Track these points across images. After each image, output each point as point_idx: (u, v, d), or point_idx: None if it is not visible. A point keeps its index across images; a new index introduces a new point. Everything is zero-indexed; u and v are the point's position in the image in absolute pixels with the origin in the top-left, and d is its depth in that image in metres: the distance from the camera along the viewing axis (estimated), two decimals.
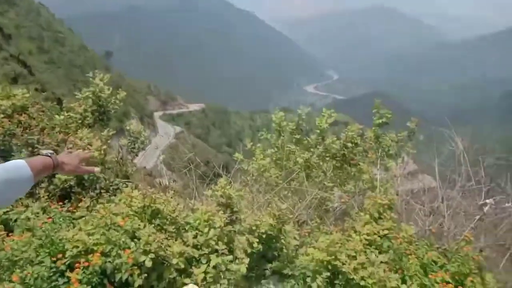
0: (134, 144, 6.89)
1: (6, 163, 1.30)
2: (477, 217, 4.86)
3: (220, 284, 4.06)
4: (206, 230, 4.32)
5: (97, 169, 1.78)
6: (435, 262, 4.21)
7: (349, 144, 6.12)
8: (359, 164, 6.11)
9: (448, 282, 3.94)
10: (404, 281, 4.02)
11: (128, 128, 7.19)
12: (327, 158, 6.34)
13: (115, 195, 5.24)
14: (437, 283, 3.96)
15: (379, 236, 4.48)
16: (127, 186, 5.35)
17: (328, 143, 6.17)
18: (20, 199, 4.86)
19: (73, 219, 4.17)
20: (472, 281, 3.92)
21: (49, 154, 1.47)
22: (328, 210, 5.78)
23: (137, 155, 7.03)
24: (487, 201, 4.89)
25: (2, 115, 5.91)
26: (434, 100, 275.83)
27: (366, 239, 4.42)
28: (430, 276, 4.03)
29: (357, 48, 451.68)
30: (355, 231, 4.59)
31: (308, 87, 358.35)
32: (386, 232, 4.50)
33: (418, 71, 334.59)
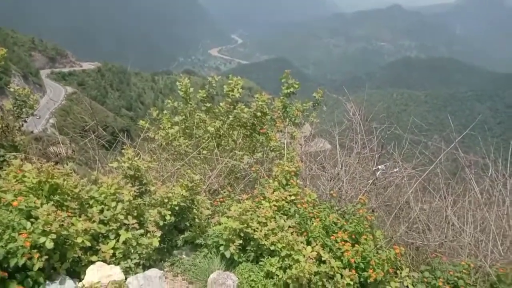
0: (21, 109, 6.05)
1: None
2: (370, 181, 5.45)
3: (131, 259, 3.92)
4: (113, 204, 4.08)
5: None
6: (335, 224, 4.63)
7: (259, 114, 6.23)
8: (267, 133, 6.30)
9: (346, 241, 4.39)
10: (309, 243, 4.35)
11: (12, 90, 6.25)
12: (237, 127, 6.39)
13: (1, 168, 4.60)
14: (337, 242, 4.38)
15: (286, 202, 4.74)
16: (16, 158, 4.71)
17: (238, 112, 6.19)
18: None
19: None
20: (365, 239, 4.42)
21: None
22: (238, 178, 5.90)
23: (26, 122, 6.21)
24: (379, 167, 5.50)
25: None
26: (328, 66, 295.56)
27: (275, 205, 4.64)
28: (331, 237, 4.43)
29: (258, 14, 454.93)
30: (265, 198, 4.78)
31: (212, 51, 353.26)
32: (293, 198, 4.78)
33: (313, 39, 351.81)
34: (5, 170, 4.15)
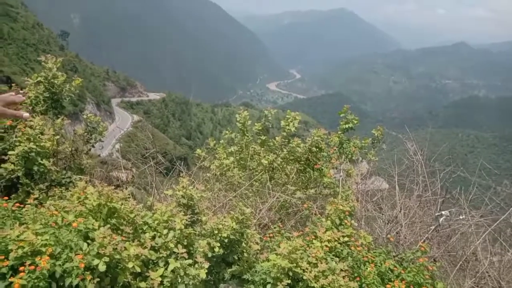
0: (91, 135, 6.50)
1: None
2: (433, 227, 5.04)
3: None
4: (165, 232, 4.13)
5: (26, 114, 1.52)
6: (392, 271, 4.30)
7: (314, 149, 6.12)
8: (322, 169, 6.14)
9: None
10: None
11: (85, 116, 6.76)
12: (291, 161, 6.32)
13: (67, 189, 4.90)
14: None
15: (339, 243, 4.51)
16: (81, 180, 5.01)
17: (293, 146, 6.14)
18: None
19: (19, 215, 3.82)
20: None
21: None
22: (290, 214, 5.76)
23: (93, 147, 6.64)
24: (443, 212, 5.08)
25: None
26: (387, 103, 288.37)
27: (327, 246, 4.43)
28: (387, 285, 4.11)
29: (316, 49, 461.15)
30: (316, 237, 4.60)
31: (271, 85, 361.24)
32: (346, 239, 4.55)
33: (372, 74, 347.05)
34: (71, 191, 4.42)
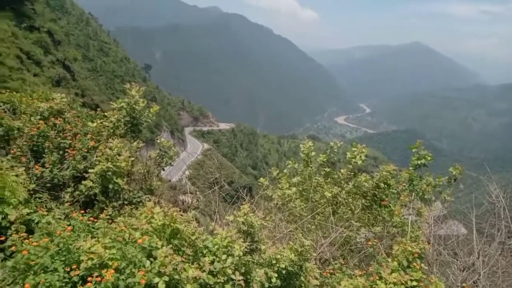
0: (163, 158, 6.87)
1: None
2: None
3: None
4: (224, 257, 4.15)
5: None
6: None
7: (382, 185, 5.83)
8: (389, 206, 5.80)
9: None
10: None
11: (158, 141, 7.20)
12: (357, 196, 6.06)
13: (137, 208, 5.17)
14: None
15: (406, 287, 4.16)
16: (150, 200, 5.28)
17: (359, 181, 5.90)
18: (45, 201, 4.89)
19: (93, 229, 4.11)
20: None
21: None
22: (353, 251, 5.48)
23: (163, 170, 7.00)
24: None
25: (38, 117, 6.05)
26: (465, 141, 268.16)
27: None
28: None
29: (387, 83, 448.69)
30: (381, 278, 4.29)
31: (339, 118, 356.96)
32: (414, 283, 4.18)
33: (448, 110, 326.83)
34: (140, 210, 4.66)
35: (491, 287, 4.43)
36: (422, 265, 4.46)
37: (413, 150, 6.36)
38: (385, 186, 5.86)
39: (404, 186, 6.15)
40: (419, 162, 6.23)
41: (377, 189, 5.88)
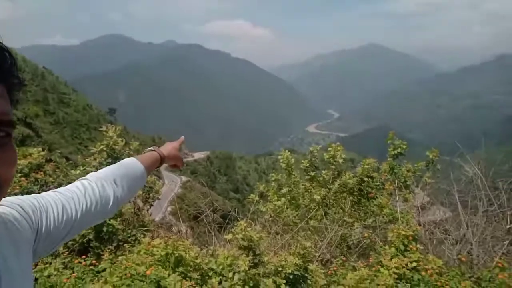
0: (149, 194, 6.90)
1: (122, 161, 1.32)
2: (506, 242, 4.73)
3: None
4: (230, 275, 4.22)
5: (182, 137, 1.85)
6: None
7: (366, 178, 6.07)
8: (377, 197, 6.04)
9: None
10: None
11: None
12: (344, 194, 6.28)
13: (133, 246, 5.16)
14: None
15: (408, 269, 4.34)
16: (145, 236, 5.29)
17: (344, 179, 6.13)
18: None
19: (97, 272, 4.10)
20: None
21: (153, 149, 1.52)
22: (351, 247, 5.64)
23: (152, 205, 7.01)
24: None
25: (19, 174, 5.98)
26: (434, 128, 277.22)
27: (395, 273, 4.28)
28: None
29: (351, 86, 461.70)
30: (383, 265, 4.46)
31: (309, 127, 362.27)
32: (414, 264, 4.37)
33: (413, 103, 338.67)
34: (136, 247, 4.68)
35: (484, 253, 4.68)
36: (418, 246, 4.67)
37: (388, 142, 6.67)
38: (369, 179, 6.12)
39: (386, 176, 6.42)
40: (395, 152, 6.54)
41: (362, 184, 6.12)
